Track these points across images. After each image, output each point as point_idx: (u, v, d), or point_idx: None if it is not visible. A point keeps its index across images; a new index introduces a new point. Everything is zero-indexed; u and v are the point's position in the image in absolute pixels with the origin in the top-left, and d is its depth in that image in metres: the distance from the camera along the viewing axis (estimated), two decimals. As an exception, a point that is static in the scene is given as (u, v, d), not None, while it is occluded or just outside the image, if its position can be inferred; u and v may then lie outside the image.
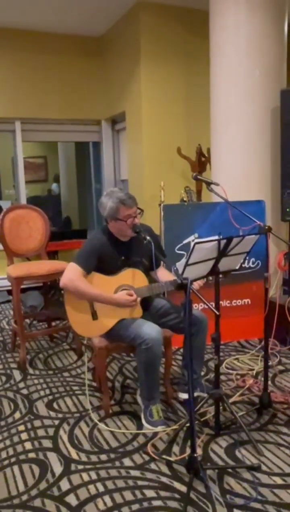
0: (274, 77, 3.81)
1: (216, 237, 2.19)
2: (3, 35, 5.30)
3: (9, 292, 5.15)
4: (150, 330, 2.46)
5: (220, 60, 3.87)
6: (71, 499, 2.01)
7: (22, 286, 3.55)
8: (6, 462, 2.30)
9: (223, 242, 2.22)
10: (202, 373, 3.06)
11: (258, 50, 3.73)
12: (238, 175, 3.83)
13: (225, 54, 3.82)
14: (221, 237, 2.20)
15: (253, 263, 3.73)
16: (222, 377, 3.06)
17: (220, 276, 2.39)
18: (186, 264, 2.13)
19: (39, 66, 5.52)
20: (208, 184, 2.63)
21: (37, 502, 2.00)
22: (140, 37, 4.88)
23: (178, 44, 4.98)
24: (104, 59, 5.76)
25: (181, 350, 3.18)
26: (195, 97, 4.97)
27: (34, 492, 2.07)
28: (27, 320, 4.49)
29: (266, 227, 2.46)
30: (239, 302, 3.77)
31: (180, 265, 2.18)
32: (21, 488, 2.10)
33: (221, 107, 3.91)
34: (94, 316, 2.62)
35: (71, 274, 2.52)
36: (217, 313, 2.18)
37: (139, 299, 2.60)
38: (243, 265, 3.45)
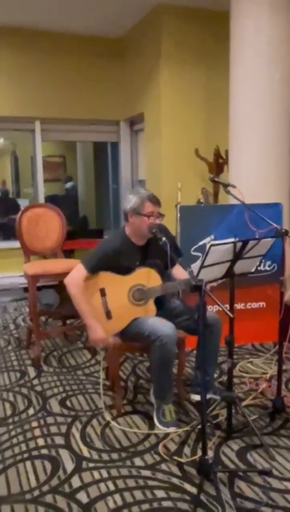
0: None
1: (232, 239, 2.18)
2: (24, 36, 5.36)
3: (25, 289, 5.21)
4: (164, 327, 2.48)
5: (240, 63, 3.84)
6: (82, 497, 2.03)
7: (38, 284, 3.59)
8: (19, 458, 2.33)
9: (239, 244, 2.21)
10: (215, 375, 3.05)
11: (278, 53, 3.70)
12: (256, 177, 3.80)
13: (245, 57, 3.79)
14: (237, 239, 2.20)
15: (269, 266, 3.70)
16: (235, 380, 3.05)
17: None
18: (201, 266, 2.13)
19: (59, 66, 5.57)
20: (225, 186, 2.63)
21: (48, 498, 2.03)
22: (161, 39, 4.89)
23: (198, 46, 4.97)
24: (124, 61, 5.78)
25: (195, 352, 3.18)
26: (214, 99, 4.95)
27: (45, 488, 2.10)
28: (42, 318, 4.53)
29: (283, 230, 2.44)
30: (253, 305, 3.75)
31: (195, 266, 2.18)
32: (33, 483, 2.13)
33: (240, 109, 3.88)
34: (108, 315, 2.64)
35: (76, 277, 2.61)
36: (232, 315, 2.18)
37: (152, 300, 2.62)
38: (258, 268, 3.44)
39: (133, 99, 5.62)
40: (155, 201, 2.61)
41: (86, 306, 2.61)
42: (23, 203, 7.33)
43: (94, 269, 2.60)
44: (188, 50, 4.95)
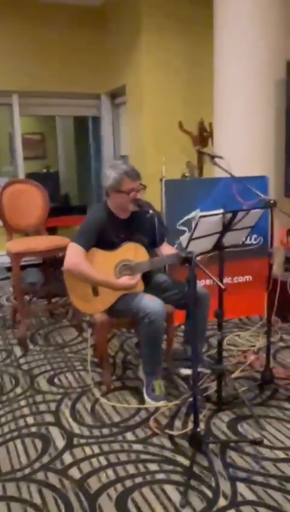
0: (280, 48, 3.69)
1: (221, 211, 2.14)
2: (0, 5, 5.12)
3: (8, 269, 5.11)
4: (152, 304, 2.44)
5: (224, 31, 3.74)
6: (74, 473, 2.02)
7: (21, 263, 3.51)
8: (8, 436, 2.30)
9: (228, 215, 2.18)
10: (204, 349, 3.05)
11: (263, 19, 3.60)
12: (241, 150, 3.74)
13: (229, 24, 3.69)
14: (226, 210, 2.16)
15: (255, 239, 3.69)
16: (224, 353, 3.04)
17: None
18: (191, 238, 2.09)
19: (37, 37, 5.37)
20: (212, 157, 2.58)
21: (40, 475, 2.01)
22: (141, 6, 4.73)
23: (180, 14, 4.83)
24: (104, 30, 5.59)
25: (182, 326, 3.16)
26: (198, 70, 4.84)
27: (37, 465, 2.07)
28: (27, 297, 4.46)
29: (272, 202, 2.41)
30: (240, 279, 3.75)
31: (184, 239, 2.14)
32: (24, 461, 2.10)
33: (224, 79, 3.80)
34: (95, 292, 2.59)
35: (75, 257, 2.49)
36: (224, 287, 2.15)
37: (139, 275, 2.57)
38: (245, 242, 3.42)
39: (114, 71, 5.46)
40: (134, 176, 2.51)
41: (100, 274, 2.50)
42: (1, 182, 7.13)
43: (87, 244, 2.52)
44: (170, 18, 4.81)
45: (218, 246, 2.30)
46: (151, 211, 2.46)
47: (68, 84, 5.58)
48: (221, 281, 2.34)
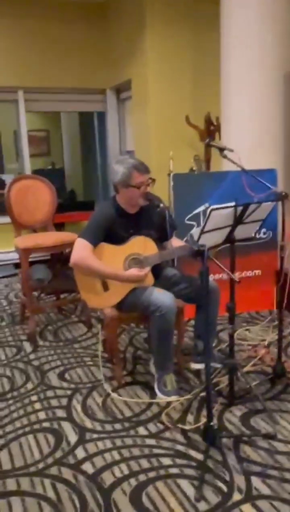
0: (287, 41, 3.64)
1: (233, 204, 2.12)
2: (4, 1, 5.10)
3: (16, 265, 5.12)
4: (163, 297, 2.43)
5: (231, 24, 3.69)
6: (88, 467, 2.01)
7: (29, 259, 3.50)
8: (20, 432, 2.30)
9: (239, 209, 2.15)
10: (213, 344, 3.04)
11: (271, 13, 3.55)
12: (249, 143, 3.70)
13: (236, 17, 3.64)
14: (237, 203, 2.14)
15: (264, 233, 3.66)
16: (234, 348, 3.04)
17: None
18: (202, 231, 2.07)
19: (42, 33, 5.34)
20: (222, 150, 2.54)
21: (53, 470, 2.01)
22: (146, 0, 4.68)
23: (186, 7, 4.78)
24: (108, 25, 5.55)
25: (192, 321, 3.15)
26: (204, 63, 4.80)
27: (50, 460, 2.07)
28: (35, 293, 4.46)
29: (283, 194, 2.38)
30: (249, 273, 3.72)
31: (195, 232, 2.12)
32: (37, 456, 2.10)
33: (231, 73, 3.76)
34: (105, 287, 2.58)
35: (81, 251, 2.48)
36: (237, 280, 2.13)
37: (148, 268, 2.55)
38: (255, 235, 3.39)
39: (119, 65, 5.43)
40: (143, 169, 2.49)
41: (108, 267, 2.50)
42: (7, 179, 7.13)
43: (95, 239, 2.51)
44: (175, 11, 4.77)
45: (229, 239, 2.28)
46: (161, 205, 2.45)
47: (73, 79, 5.56)
48: (233, 273, 2.32)
